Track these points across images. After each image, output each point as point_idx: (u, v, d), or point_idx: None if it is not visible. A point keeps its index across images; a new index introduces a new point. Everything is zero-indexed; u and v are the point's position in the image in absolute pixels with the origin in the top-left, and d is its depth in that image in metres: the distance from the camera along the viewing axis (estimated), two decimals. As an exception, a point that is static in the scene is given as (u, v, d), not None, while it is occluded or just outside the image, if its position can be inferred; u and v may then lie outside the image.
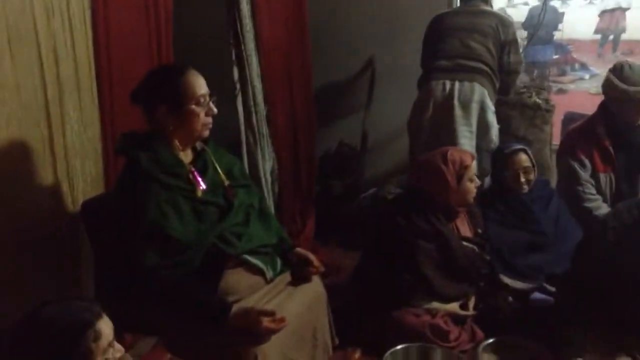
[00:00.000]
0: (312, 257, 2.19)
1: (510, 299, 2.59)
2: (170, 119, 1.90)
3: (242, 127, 2.99)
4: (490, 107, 3.04)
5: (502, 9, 4.70)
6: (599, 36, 5.63)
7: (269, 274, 2.05)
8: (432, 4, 3.43)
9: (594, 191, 2.94)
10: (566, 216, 2.86)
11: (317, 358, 2.10)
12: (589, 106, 3.34)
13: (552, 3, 4.65)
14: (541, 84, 4.29)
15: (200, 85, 1.91)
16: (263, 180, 3.08)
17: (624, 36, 5.59)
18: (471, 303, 2.56)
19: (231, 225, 1.98)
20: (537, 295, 2.66)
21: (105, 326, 1.31)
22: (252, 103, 2.98)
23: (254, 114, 3.00)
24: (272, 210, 3.08)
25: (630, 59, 3.17)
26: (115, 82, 2.32)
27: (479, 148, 3.02)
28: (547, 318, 2.36)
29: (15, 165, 1.97)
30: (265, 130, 3.12)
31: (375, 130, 4.04)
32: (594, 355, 2.07)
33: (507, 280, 2.63)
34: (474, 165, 2.61)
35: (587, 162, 2.95)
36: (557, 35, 5.40)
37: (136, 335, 2.33)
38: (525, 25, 4.79)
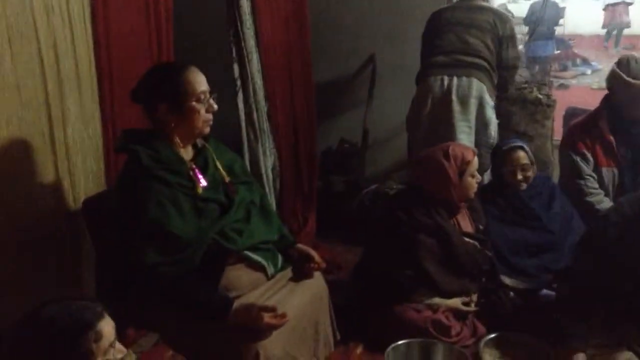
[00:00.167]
0: (313, 253, 2.19)
1: (512, 294, 2.59)
2: (170, 117, 1.90)
3: (243, 124, 3.00)
4: (489, 103, 3.04)
5: (504, 4, 4.70)
6: (600, 31, 5.62)
7: (270, 270, 2.05)
8: (432, 1, 3.42)
9: (596, 185, 2.93)
10: (572, 213, 2.85)
11: (319, 353, 2.10)
12: (591, 101, 3.34)
13: (553, -1, 4.65)
14: (542, 79, 4.27)
15: (200, 82, 1.91)
16: (264, 176, 3.09)
17: (625, 31, 5.58)
18: (473, 298, 2.56)
19: (232, 222, 1.98)
20: (544, 292, 2.65)
21: (107, 327, 1.30)
22: (252, 100, 2.98)
23: (254, 111, 3.00)
24: (274, 207, 3.08)
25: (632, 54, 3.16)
26: (116, 79, 2.32)
27: (478, 143, 3.02)
28: (548, 313, 2.36)
29: (17, 163, 1.98)
30: (266, 127, 3.13)
31: (376, 127, 4.05)
32: (596, 350, 2.07)
33: (507, 280, 2.63)
34: (475, 160, 2.60)
35: (589, 156, 2.94)
36: (558, 31, 5.39)
37: (138, 332, 2.34)
38: (526, 20, 4.79)
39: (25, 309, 1.32)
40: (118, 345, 1.33)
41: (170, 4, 2.60)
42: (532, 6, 4.71)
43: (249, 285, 1.98)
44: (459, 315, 2.49)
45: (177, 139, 1.94)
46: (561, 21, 5.35)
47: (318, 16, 3.82)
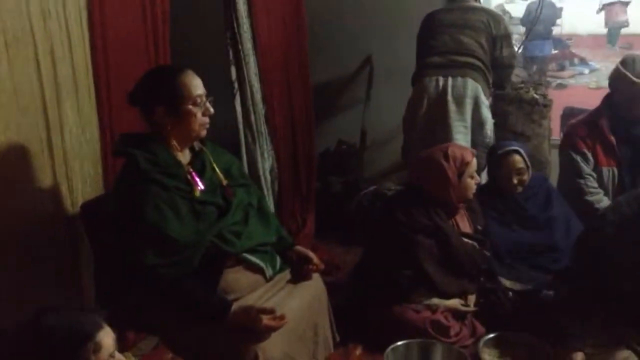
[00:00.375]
0: (311, 254, 2.19)
1: (511, 294, 2.59)
2: (167, 120, 1.90)
3: (241, 126, 3.00)
4: (485, 102, 3.05)
5: (501, 5, 4.70)
6: (597, 31, 5.62)
7: (269, 272, 2.05)
8: (430, 3, 3.43)
9: (596, 185, 2.92)
10: (570, 213, 2.85)
11: (318, 355, 2.11)
12: (589, 101, 3.34)
13: (550, -2, 4.66)
14: (539, 79, 4.28)
15: (196, 85, 1.92)
16: (262, 179, 3.09)
17: (623, 30, 5.58)
18: (472, 298, 2.57)
19: (230, 225, 1.98)
20: (544, 292, 2.65)
21: (106, 337, 1.30)
22: (250, 102, 2.99)
23: (252, 113, 3.01)
24: (272, 209, 3.09)
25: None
26: (113, 83, 2.32)
27: (474, 143, 3.02)
28: (547, 313, 2.36)
29: (15, 169, 1.98)
30: (263, 129, 3.13)
31: (374, 128, 4.05)
32: (594, 349, 2.07)
33: (506, 282, 2.63)
34: (474, 161, 2.61)
35: (589, 155, 2.94)
36: (556, 31, 5.39)
37: (138, 335, 2.34)
38: (523, 21, 4.79)
39: (25, 313, 1.32)
40: (118, 355, 1.34)
41: (167, 7, 2.60)
42: (528, 6, 4.71)
43: (248, 288, 1.98)
44: (458, 315, 2.49)
45: (174, 142, 1.94)
46: (558, 21, 5.35)
47: (315, 18, 3.82)
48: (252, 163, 3.04)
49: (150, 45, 2.52)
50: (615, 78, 2.90)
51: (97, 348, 1.27)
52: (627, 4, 5.54)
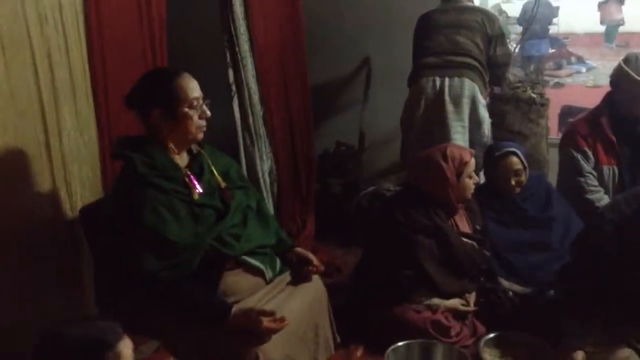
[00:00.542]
0: (311, 256, 2.19)
1: (511, 293, 2.59)
2: (164, 123, 1.90)
3: (239, 129, 3.00)
4: (482, 102, 3.06)
5: (498, 4, 4.70)
6: (594, 29, 5.62)
7: (269, 274, 2.05)
8: (427, 4, 3.43)
9: (596, 183, 2.92)
10: (569, 211, 2.84)
11: (319, 356, 2.11)
12: (586, 99, 3.34)
13: (546, -3, 4.66)
14: (536, 78, 4.28)
15: (192, 88, 1.92)
16: (261, 181, 3.09)
17: (620, 28, 5.58)
18: (472, 298, 2.57)
19: (229, 227, 1.98)
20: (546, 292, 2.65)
21: (126, 348, 1.32)
22: (248, 104, 2.99)
23: (250, 115, 3.01)
24: (272, 211, 3.08)
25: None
26: (110, 86, 2.32)
27: (472, 143, 3.03)
28: (548, 312, 2.36)
29: (13, 173, 1.97)
30: (262, 131, 3.13)
31: (373, 129, 4.05)
32: (595, 348, 2.06)
33: (506, 283, 2.63)
34: (472, 162, 2.61)
35: (590, 153, 2.93)
36: (553, 30, 5.39)
37: (139, 339, 2.33)
38: (519, 20, 4.78)
39: (27, 317, 1.33)
40: None
41: (164, 10, 2.60)
42: (525, 6, 4.71)
43: (248, 290, 1.98)
44: (459, 315, 2.50)
45: (172, 145, 1.94)
46: (555, 20, 5.35)
47: (312, 19, 3.82)
48: (251, 165, 3.04)
49: (147, 48, 2.52)
50: (617, 76, 2.89)
51: (117, 358, 1.29)
52: (622, 1, 5.54)
